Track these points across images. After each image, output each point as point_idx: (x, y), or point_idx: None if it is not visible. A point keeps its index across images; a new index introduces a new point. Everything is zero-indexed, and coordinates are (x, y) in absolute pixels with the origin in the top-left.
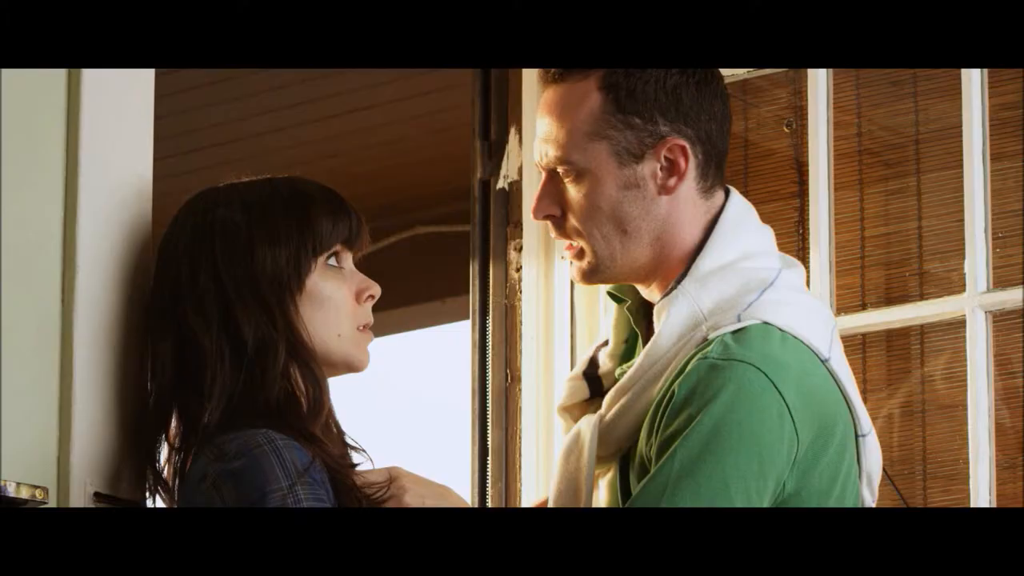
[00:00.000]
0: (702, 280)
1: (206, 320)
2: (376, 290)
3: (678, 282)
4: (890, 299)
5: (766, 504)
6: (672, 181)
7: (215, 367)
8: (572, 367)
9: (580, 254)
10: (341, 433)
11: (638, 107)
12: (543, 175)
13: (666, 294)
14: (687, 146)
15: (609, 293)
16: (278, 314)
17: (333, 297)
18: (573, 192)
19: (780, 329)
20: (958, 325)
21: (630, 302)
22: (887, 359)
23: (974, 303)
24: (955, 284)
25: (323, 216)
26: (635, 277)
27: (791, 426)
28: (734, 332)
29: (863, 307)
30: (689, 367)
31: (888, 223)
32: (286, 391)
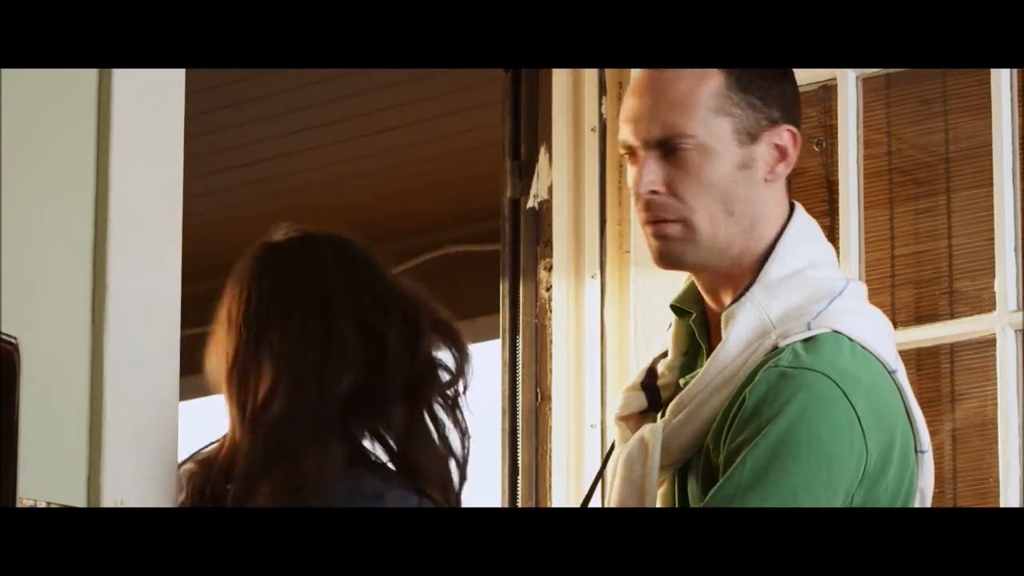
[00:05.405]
0: (771, 287)
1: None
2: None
3: (746, 289)
4: (920, 318)
5: None
6: (780, 168)
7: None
8: (602, 385)
9: (665, 233)
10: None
11: (757, 89)
12: (641, 154)
13: (734, 301)
14: (797, 134)
15: (672, 306)
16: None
17: None
18: (686, 167)
19: (850, 339)
20: (988, 344)
21: (695, 315)
22: (917, 378)
23: (1004, 321)
24: (985, 303)
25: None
26: (716, 262)
27: (861, 438)
28: (804, 341)
29: (893, 326)
30: (759, 376)
31: (918, 242)
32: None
